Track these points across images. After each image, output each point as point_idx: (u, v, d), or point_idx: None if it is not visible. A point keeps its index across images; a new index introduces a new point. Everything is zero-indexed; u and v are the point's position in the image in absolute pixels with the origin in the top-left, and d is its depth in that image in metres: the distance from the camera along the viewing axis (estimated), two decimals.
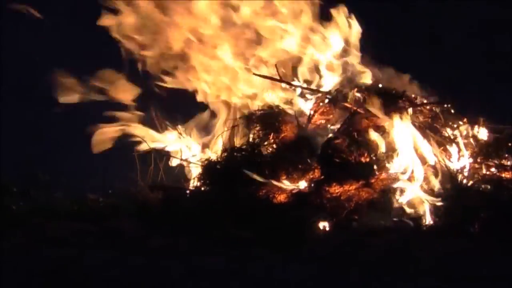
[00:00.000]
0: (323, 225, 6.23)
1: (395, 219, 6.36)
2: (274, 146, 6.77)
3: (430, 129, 6.96)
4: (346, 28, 7.27)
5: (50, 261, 5.21)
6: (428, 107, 7.12)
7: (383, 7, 8.98)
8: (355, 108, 6.94)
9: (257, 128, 6.90)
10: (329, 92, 7.15)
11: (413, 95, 7.13)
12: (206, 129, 7.27)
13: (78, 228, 5.99)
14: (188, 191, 6.82)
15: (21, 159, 7.58)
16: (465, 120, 7.13)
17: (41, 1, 7.32)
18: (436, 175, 6.68)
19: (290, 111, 7.01)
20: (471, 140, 7.05)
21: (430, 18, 9.39)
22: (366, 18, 7.43)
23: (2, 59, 8.31)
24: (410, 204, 6.48)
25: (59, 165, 7.40)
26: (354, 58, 7.32)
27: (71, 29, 8.21)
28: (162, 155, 7.15)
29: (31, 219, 6.15)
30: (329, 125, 6.99)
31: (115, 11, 7.12)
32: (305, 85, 7.25)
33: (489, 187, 6.59)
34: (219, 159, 6.73)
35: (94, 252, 5.49)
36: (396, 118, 6.75)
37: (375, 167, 6.52)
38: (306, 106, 7.14)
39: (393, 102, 6.89)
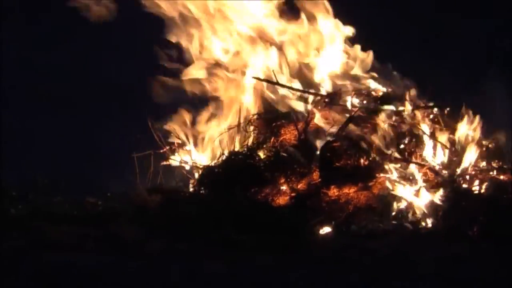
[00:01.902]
0: (322, 228, 6.23)
1: (394, 222, 6.37)
2: (273, 149, 6.78)
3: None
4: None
5: (48, 265, 5.20)
6: (428, 110, 7.15)
7: (383, 8, 8.99)
8: (354, 110, 6.96)
9: (256, 132, 6.92)
10: (327, 95, 7.16)
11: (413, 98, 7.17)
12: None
13: (77, 231, 5.97)
14: (187, 195, 6.82)
15: (20, 163, 7.59)
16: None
17: None
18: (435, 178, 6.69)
19: (289, 115, 7.01)
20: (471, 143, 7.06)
21: (429, 20, 9.39)
22: (365, 19, 7.43)
23: (1, 61, 8.33)
24: (409, 207, 6.50)
25: (58, 169, 7.41)
26: (353, 60, 7.35)
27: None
28: (161, 157, 7.18)
29: (30, 222, 6.14)
30: (327, 128, 6.99)
31: None
32: (303, 88, 7.25)
33: (488, 190, 6.60)
34: (217, 163, 6.74)
35: (93, 255, 5.48)
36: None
37: (373, 170, 6.54)
38: (305, 109, 7.15)
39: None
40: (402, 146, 6.81)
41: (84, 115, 8.08)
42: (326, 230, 6.25)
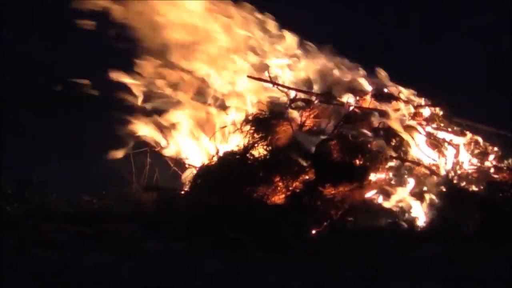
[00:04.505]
0: (318, 227, 6.24)
1: (389, 220, 6.37)
2: (268, 148, 6.77)
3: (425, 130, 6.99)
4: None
5: (44, 263, 5.20)
6: (423, 108, 7.15)
7: (380, 7, 9.00)
8: (348, 108, 6.97)
9: (251, 131, 6.91)
10: (322, 94, 7.15)
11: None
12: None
13: (72, 230, 5.98)
14: (182, 193, 6.82)
15: (16, 161, 7.58)
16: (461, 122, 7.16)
17: None
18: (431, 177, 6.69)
19: (284, 113, 7.01)
20: (467, 142, 7.07)
21: (427, 19, 9.41)
22: (362, 19, 7.45)
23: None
24: (405, 205, 6.50)
25: (53, 167, 7.40)
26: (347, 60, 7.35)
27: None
28: (158, 155, 7.18)
29: (25, 221, 6.15)
30: (322, 127, 6.99)
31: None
32: (297, 87, 7.25)
33: (484, 188, 6.61)
34: (213, 161, 6.74)
35: (88, 254, 5.49)
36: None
37: (369, 169, 6.54)
38: (299, 108, 7.15)
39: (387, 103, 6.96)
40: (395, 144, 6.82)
41: (80, 113, 8.07)
42: (321, 229, 6.25)
